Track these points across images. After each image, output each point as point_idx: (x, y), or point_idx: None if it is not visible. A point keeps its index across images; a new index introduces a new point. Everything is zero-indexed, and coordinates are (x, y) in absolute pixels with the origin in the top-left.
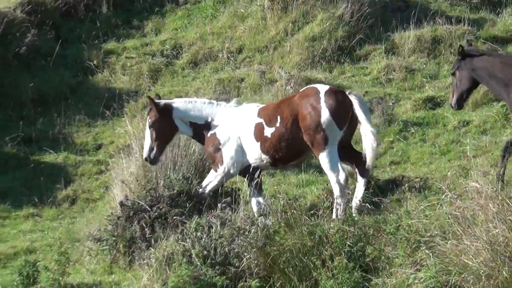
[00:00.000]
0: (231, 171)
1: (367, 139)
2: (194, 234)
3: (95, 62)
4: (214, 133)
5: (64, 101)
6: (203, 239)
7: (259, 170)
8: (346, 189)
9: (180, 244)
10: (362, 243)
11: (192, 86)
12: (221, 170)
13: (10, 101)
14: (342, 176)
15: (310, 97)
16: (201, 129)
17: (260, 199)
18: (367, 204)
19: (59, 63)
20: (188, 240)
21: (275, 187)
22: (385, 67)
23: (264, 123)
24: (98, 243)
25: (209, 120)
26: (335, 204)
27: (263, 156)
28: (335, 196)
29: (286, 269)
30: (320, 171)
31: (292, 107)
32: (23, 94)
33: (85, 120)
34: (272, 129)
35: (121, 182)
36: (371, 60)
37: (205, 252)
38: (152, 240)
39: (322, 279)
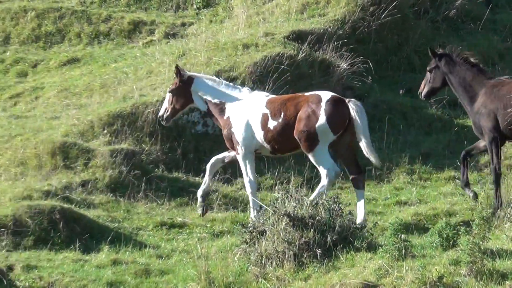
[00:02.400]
0: (249, 148)
1: (362, 144)
2: None
3: None
4: (228, 117)
5: (491, 66)
6: None
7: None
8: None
9: None
10: None
11: None
12: (241, 150)
13: None
14: (333, 170)
15: (313, 104)
16: (213, 107)
17: (220, 163)
18: None
19: (488, 28)
20: None
21: None
22: None
23: (269, 114)
24: None
25: (223, 100)
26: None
27: (265, 144)
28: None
29: None
30: None
31: (296, 107)
32: None
33: None
34: (275, 123)
35: None
36: None
37: None
38: None
39: None
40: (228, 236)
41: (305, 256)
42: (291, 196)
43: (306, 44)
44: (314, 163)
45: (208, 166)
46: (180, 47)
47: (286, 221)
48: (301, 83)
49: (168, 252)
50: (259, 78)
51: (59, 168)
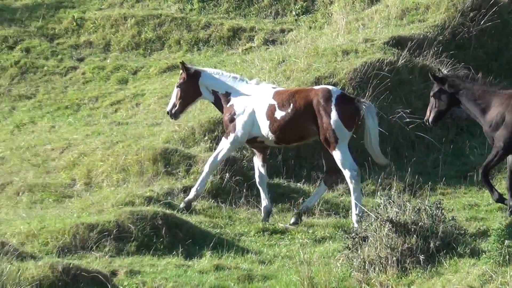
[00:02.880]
0: (240, 139)
1: (371, 144)
2: None
3: None
4: (232, 105)
5: None
6: None
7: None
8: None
9: None
10: None
11: None
12: (231, 137)
13: None
14: (354, 171)
15: (323, 99)
16: (220, 98)
17: (262, 169)
18: None
19: None
20: None
21: None
22: None
23: (276, 105)
24: None
25: (229, 91)
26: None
27: (270, 134)
28: (351, 191)
29: None
30: None
31: (306, 100)
32: None
33: None
34: (283, 113)
35: None
36: None
37: None
38: None
39: None
40: (330, 242)
41: (408, 262)
42: (393, 202)
43: (406, 50)
44: (338, 163)
45: (258, 185)
46: (280, 54)
47: (388, 227)
48: (401, 89)
49: (271, 258)
50: (359, 84)
51: (161, 174)
